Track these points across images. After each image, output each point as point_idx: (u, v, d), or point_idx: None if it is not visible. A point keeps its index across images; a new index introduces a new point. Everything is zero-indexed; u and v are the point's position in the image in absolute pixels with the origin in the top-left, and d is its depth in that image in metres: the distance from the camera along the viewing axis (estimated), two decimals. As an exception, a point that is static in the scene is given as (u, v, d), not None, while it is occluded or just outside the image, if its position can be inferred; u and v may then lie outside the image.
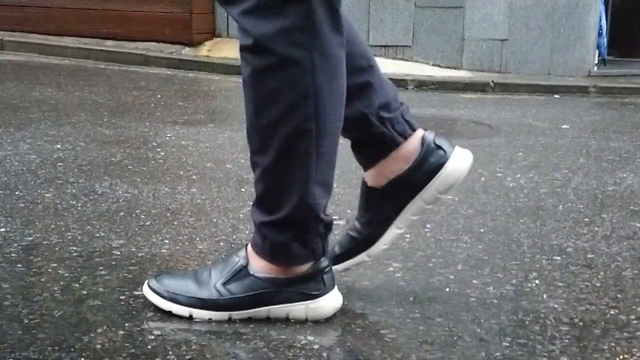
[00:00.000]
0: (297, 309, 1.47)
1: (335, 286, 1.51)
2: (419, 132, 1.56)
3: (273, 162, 1.41)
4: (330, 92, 1.39)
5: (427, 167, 1.53)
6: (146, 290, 1.51)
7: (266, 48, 1.35)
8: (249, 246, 1.50)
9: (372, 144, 1.55)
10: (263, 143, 1.41)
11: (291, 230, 1.44)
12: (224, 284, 1.48)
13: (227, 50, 6.82)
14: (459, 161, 1.54)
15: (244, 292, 1.47)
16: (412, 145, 1.54)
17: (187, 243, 1.94)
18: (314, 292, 1.47)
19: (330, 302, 1.49)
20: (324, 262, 1.48)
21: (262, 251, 1.47)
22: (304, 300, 1.47)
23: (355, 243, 1.60)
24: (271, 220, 1.44)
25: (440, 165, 1.53)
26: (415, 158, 1.54)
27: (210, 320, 1.46)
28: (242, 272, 1.48)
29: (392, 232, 1.58)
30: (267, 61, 1.36)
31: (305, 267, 1.47)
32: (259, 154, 1.43)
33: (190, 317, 1.47)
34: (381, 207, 1.57)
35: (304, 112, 1.37)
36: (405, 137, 1.54)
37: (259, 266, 1.47)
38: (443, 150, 1.54)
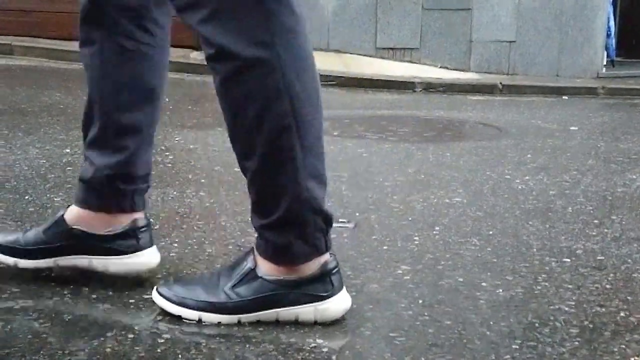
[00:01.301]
0: (306, 311, 1.47)
1: (344, 287, 1.51)
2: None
3: (260, 164, 1.41)
4: (303, 84, 1.39)
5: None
6: (155, 296, 1.51)
7: (230, 53, 1.35)
8: (255, 249, 1.50)
9: None
10: (247, 148, 1.42)
11: (291, 228, 1.44)
12: (233, 287, 1.48)
13: (235, 53, 6.82)
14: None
15: (252, 294, 1.47)
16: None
17: (196, 247, 1.94)
18: (322, 294, 1.47)
19: (339, 303, 1.49)
20: (332, 263, 1.48)
21: (266, 253, 1.47)
22: (313, 302, 1.47)
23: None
24: (269, 223, 1.45)
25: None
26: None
27: (219, 324, 1.46)
28: (250, 274, 1.48)
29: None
30: (233, 66, 1.36)
31: (312, 268, 1.47)
32: (246, 159, 1.43)
33: (200, 321, 1.47)
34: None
35: (280, 109, 1.37)
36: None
37: (266, 268, 1.48)
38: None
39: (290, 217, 1.43)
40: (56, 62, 6.91)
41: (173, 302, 1.49)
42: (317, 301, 1.47)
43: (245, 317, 1.47)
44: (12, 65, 6.52)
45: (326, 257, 1.48)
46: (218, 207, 2.34)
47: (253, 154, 1.41)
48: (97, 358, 1.31)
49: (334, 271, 1.48)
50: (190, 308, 1.48)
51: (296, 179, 1.41)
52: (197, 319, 1.47)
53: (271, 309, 1.47)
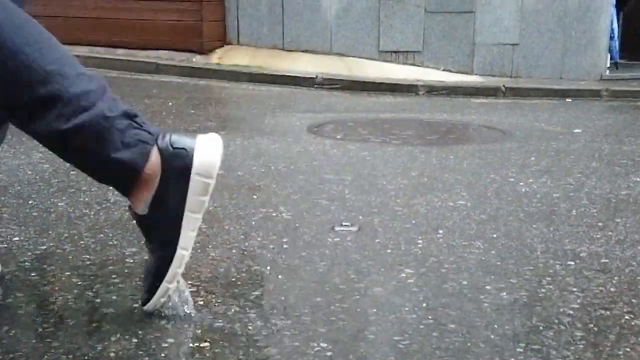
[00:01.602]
0: (195, 183, 1.43)
1: (196, 137, 1.44)
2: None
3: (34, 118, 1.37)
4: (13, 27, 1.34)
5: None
6: (146, 308, 1.52)
7: None
8: (130, 208, 1.48)
9: None
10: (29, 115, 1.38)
11: (102, 150, 1.38)
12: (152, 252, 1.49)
13: (238, 57, 6.83)
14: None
15: (172, 229, 1.45)
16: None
17: (199, 250, 1.94)
18: (186, 171, 1.42)
19: (205, 155, 1.43)
20: (162, 142, 1.42)
21: (123, 189, 1.44)
22: (184, 174, 1.42)
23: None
24: (93, 166, 1.42)
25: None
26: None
27: (215, 316, 1.46)
28: (144, 224, 1.46)
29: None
30: None
31: (158, 161, 1.41)
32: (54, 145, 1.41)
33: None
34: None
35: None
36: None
37: (140, 205, 1.44)
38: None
39: (89, 142, 1.37)
40: (60, 67, 6.91)
41: (152, 294, 1.49)
42: (187, 171, 1.42)
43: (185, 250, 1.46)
44: (16, 70, 6.52)
45: (156, 147, 1.42)
46: (221, 211, 2.34)
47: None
48: (100, 362, 1.31)
49: (173, 147, 1.42)
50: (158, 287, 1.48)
51: (61, 99, 1.35)
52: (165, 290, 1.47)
53: (183, 211, 1.44)
